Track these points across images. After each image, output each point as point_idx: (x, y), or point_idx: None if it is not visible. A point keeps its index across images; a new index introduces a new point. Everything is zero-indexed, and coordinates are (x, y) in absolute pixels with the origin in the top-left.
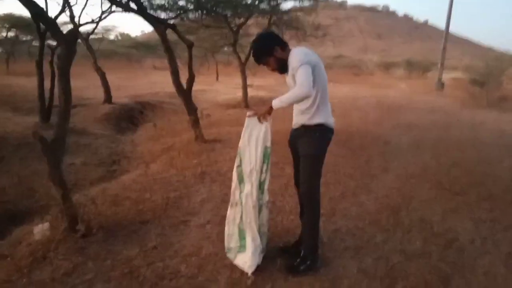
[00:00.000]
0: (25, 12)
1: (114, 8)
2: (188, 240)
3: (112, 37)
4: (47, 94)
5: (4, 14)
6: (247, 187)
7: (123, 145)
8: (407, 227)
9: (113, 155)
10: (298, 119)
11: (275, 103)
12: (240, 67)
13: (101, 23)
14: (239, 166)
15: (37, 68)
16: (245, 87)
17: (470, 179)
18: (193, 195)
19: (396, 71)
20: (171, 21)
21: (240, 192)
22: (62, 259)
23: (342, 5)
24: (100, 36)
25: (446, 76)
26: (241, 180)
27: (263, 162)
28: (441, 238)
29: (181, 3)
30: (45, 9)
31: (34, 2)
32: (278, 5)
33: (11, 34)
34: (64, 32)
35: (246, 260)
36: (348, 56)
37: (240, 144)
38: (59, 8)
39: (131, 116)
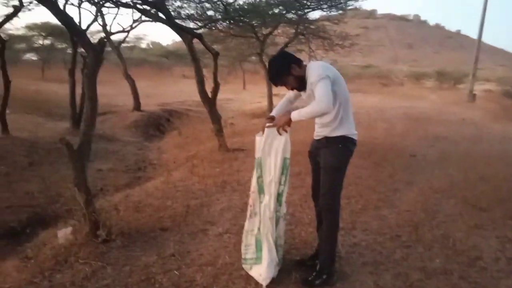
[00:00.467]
0: None
1: (144, 18)
2: (205, 249)
3: (143, 45)
4: (78, 101)
5: (41, 22)
6: (266, 198)
7: (150, 152)
8: (429, 243)
9: (140, 162)
10: (320, 130)
11: (294, 116)
12: (266, 76)
13: (133, 32)
14: (260, 177)
15: (69, 75)
16: (270, 96)
17: (497, 195)
18: (213, 204)
19: (427, 82)
20: (200, 31)
21: (260, 203)
22: (82, 263)
23: (372, 14)
24: (132, 44)
25: (478, 88)
26: (261, 191)
27: (282, 174)
28: (464, 255)
29: (210, 13)
30: (78, 18)
31: (63, 11)
32: (305, 14)
33: (47, 42)
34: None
35: (261, 272)
36: (377, 66)
37: (260, 154)
38: (93, 17)
39: (158, 124)
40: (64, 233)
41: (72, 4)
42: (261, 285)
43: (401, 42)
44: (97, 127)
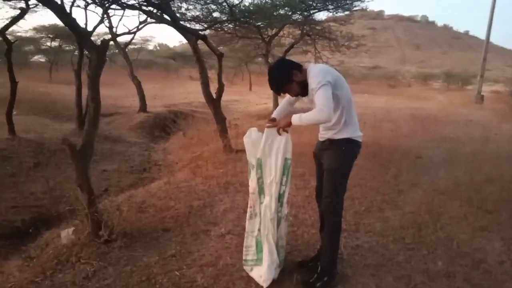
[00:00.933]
0: None
1: (150, 19)
2: (207, 250)
3: (151, 47)
4: (84, 102)
5: (49, 24)
6: (266, 199)
7: (155, 153)
8: (433, 246)
9: (145, 163)
10: (325, 133)
11: (295, 120)
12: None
13: (140, 34)
14: (260, 177)
15: (76, 76)
16: (275, 97)
17: (504, 197)
18: (216, 205)
19: (434, 83)
20: (205, 32)
21: (260, 204)
22: (84, 263)
23: (380, 15)
24: (139, 46)
25: (487, 89)
26: (261, 192)
27: (283, 174)
28: (468, 258)
29: (215, 14)
30: (85, 20)
31: (67, 13)
32: (311, 15)
33: (55, 44)
34: None
35: (261, 273)
36: (385, 67)
37: (259, 155)
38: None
39: (164, 125)
40: (66, 233)
41: (78, 6)
42: (262, 286)
43: (408, 43)
44: (103, 128)
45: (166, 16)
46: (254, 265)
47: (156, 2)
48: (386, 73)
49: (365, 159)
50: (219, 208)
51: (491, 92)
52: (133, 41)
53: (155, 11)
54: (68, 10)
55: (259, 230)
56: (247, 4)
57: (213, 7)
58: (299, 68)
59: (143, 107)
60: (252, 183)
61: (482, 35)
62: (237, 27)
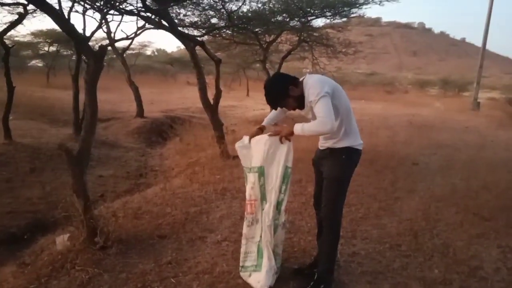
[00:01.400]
0: None
1: (148, 25)
2: (203, 257)
3: (148, 52)
4: (81, 107)
5: (47, 29)
6: (266, 206)
7: (152, 159)
8: (429, 253)
9: (141, 168)
10: (325, 142)
11: (297, 130)
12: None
13: (138, 39)
14: (263, 184)
15: (73, 81)
16: None
17: (500, 204)
18: (213, 211)
19: (431, 90)
20: (203, 38)
21: (262, 210)
22: (79, 270)
23: (377, 22)
24: (137, 51)
25: (483, 96)
26: (263, 198)
27: (282, 182)
28: (464, 265)
29: (214, 20)
30: (83, 25)
31: (65, 19)
32: (309, 22)
33: (52, 48)
34: None
35: (260, 279)
36: (382, 73)
37: (262, 163)
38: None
39: (161, 130)
40: (61, 240)
41: (76, 11)
42: None
43: (406, 50)
44: (100, 133)
45: (164, 22)
46: (253, 271)
47: (155, 8)
48: (383, 80)
49: (362, 165)
50: (215, 215)
51: (488, 99)
52: (131, 46)
53: (153, 17)
54: (66, 16)
55: (260, 236)
56: (245, 10)
57: (211, 13)
58: (296, 83)
59: (140, 112)
60: (255, 190)
61: (478, 42)
62: (235, 33)
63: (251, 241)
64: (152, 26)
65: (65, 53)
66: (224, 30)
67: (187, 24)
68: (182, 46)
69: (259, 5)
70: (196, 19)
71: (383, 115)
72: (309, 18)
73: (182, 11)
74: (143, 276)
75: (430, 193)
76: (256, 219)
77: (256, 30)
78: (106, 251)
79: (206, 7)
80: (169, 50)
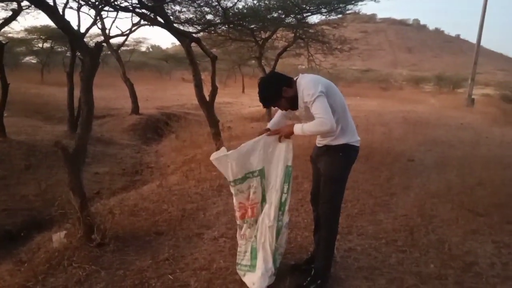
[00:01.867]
0: None
1: (143, 21)
2: (200, 253)
3: (143, 49)
4: (77, 104)
5: (41, 25)
6: (266, 207)
7: (147, 156)
8: (425, 248)
9: (137, 165)
10: (322, 139)
11: (297, 130)
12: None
13: (133, 36)
14: (264, 186)
15: (68, 78)
16: None
17: (495, 200)
18: (210, 208)
19: (426, 86)
20: (199, 34)
21: (261, 211)
22: (76, 267)
23: (372, 18)
24: (132, 48)
25: (478, 92)
26: (263, 200)
27: (285, 182)
28: (460, 261)
29: (209, 17)
30: (77, 22)
31: (60, 15)
32: (304, 18)
33: (46, 45)
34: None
35: (254, 280)
36: (377, 70)
37: (262, 164)
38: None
39: (156, 127)
40: (58, 237)
41: (71, 7)
42: None
43: (400, 46)
44: (95, 130)
45: (159, 19)
46: (247, 271)
47: (150, 4)
48: (378, 76)
49: (358, 162)
50: (212, 211)
51: (482, 96)
52: (126, 42)
53: (148, 13)
54: (61, 12)
55: (255, 236)
56: (240, 7)
57: (207, 9)
58: (289, 83)
59: (135, 109)
60: (257, 194)
61: (473, 39)
62: (230, 30)
63: (247, 241)
64: (148, 23)
65: (59, 49)
66: (220, 26)
67: (182, 20)
68: (177, 43)
69: (255, 2)
70: (191, 15)
71: (378, 112)
72: (304, 15)
73: (178, 7)
74: (140, 273)
75: (426, 189)
76: (255, 220)
77: (252, 26)
78: (103, 248)
79: (201, 4)
80: (164, 47)
